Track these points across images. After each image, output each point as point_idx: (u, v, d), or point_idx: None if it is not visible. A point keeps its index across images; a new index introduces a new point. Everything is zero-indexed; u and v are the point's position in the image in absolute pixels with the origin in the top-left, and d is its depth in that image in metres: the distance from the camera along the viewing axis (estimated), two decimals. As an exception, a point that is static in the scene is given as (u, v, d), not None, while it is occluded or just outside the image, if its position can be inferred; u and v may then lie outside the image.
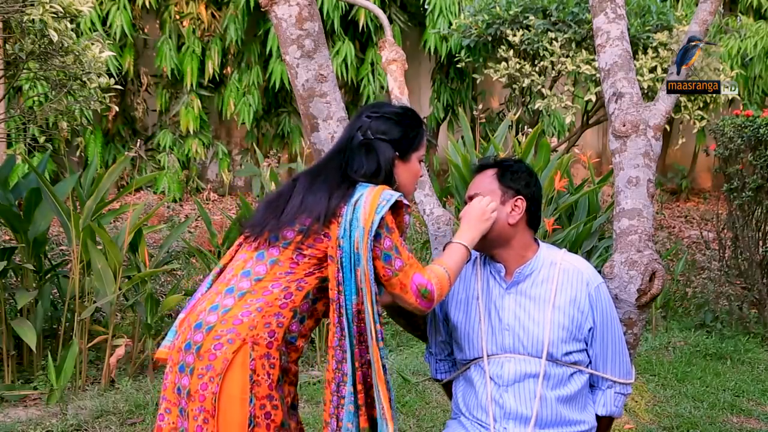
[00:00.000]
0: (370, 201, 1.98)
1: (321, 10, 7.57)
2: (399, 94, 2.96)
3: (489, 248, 2.21)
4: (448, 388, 2.39)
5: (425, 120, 8.80)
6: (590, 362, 2.21)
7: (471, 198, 2.22)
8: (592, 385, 2.24)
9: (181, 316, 2.07)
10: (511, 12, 6.79)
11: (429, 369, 2.42)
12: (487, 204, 2.17)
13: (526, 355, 2.14)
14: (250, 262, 2.03)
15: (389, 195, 2.00)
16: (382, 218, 1.96)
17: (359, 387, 2.01)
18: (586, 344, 2.19)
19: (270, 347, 1.93)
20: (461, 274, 2.25)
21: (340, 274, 1.98)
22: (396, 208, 2.03)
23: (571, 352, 2.15)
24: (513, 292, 2.19)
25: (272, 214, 2.06)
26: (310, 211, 2.00)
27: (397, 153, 2.10)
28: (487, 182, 2.21)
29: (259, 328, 1.93)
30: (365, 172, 2.05)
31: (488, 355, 2.17)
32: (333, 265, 1.98)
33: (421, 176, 2.22)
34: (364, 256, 1.96)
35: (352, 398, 2.00)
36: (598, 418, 2.24)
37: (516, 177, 2.21)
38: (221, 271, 2.13)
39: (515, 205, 2.18)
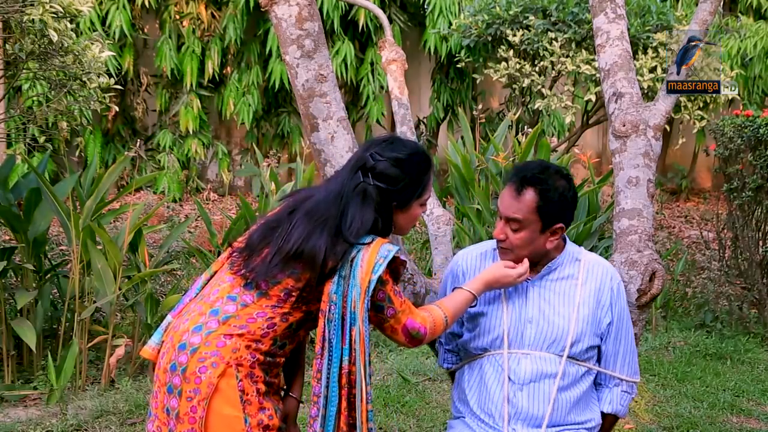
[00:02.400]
0: (367, 260, 1.94)
1: (321, 10, 7.57)
2: (399, 94, 2.97)
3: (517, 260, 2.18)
4: (453, 377, 2.40)
5: (424, 120, 8.82)
6: (599, 359, 2.21)
7: (509, 219, 2.12)
8: (597, 383, 2.24)
9: (168, 318, 2.07)
10: (511, 12, 6.78)
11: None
12: (518, 276, 2.12)
13: (545, 351, 2.13)
14: (237, 289, 1.99)
15: (386, 252, 1.96)
16: (379, 276, 1.94)
17: None
18: (601, 339, 2.19)
19: (253, 367, 1.94)
20: (480, 264, 2.26)
21: (328, 332, 1.95)
22: (393, 261, 2.00)
23: (590, 347, 2.16)
24: (538, 285, 2.19)
25: (266, 245, 2.01)
26: (305, 263, 1.95)
27: (395, 203, 2.03)
28: (526, 209, 2.10)
29: (242, 351, 1.93)
30: (359, 229, 1.97)
31: (508, 349, 2.16)
32: (322, 319, 1.96)
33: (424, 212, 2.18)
34: (360, 316, 1.93)
35: None
36: (603, 416, 2.24)
37: (559, 205, 2.12)
38: (212, 277, 2.11)
39: (554, 232, 2.15)
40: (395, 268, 2.04)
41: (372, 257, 1.94)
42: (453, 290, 2.17)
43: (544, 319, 2.15)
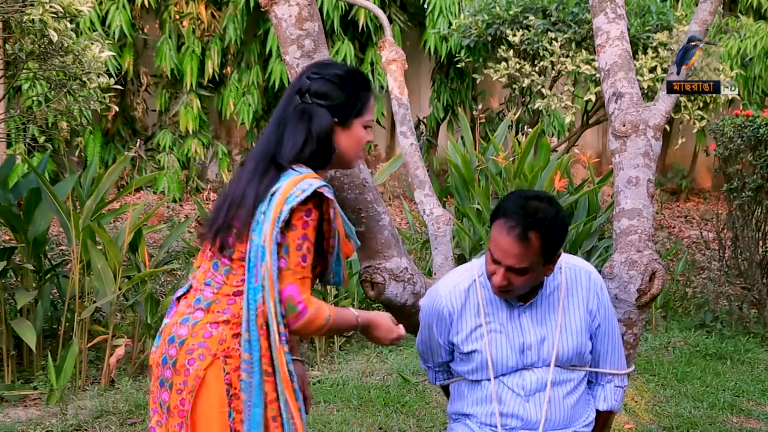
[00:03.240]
0: (282, 190, 1.83)
1: (321, 10, 7.56)
2: (399, 94, 2.97)
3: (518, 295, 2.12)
4: (447, 389, 2.37)
5: (424, 120, 8.81)
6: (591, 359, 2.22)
7: (513, 269, 1.99)
8: (589, 381, 2.24)
9: (165, 320, 2.03)
10: (511, 12, 6.78)
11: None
12: (395, 339, 2.01)
13: (546, 366, 2.11)
14: (209, 273, 1.94)
15: (307, 185, 1.83)
16: (292, 210, 1.81)
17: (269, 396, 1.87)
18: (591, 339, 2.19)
19: (242, 357, 1.87)
20: (466, 300, 2.14)
21: (247, 272, 1.85)
22: (319, 201, 1.85)
23: (587, 352, 2.16)
24: (529, 309, 2.14)
25: (220, 213, 1.92)
26: (238, 212, 1.87)
27: (336, 119, 1.93)
28: (532, 255, 1.98)
29: (229, 341, 1.87)
30: (292, 152, 1.88)
31: (509, 373, 2.12)
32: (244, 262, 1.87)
33: (368, 142, 2.05)
34: (269, 249, 1.81)
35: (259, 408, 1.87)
36: (597, 413, 2.24)
37: (558, 237, 2.02)
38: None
39: (553, 261, 2.08)
40: (323, 220, 1.89)
41: (289, 187, 1.83)
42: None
43: (540, 341, 2.12)
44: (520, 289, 2.07)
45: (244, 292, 1.86)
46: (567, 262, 2.19)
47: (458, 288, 2.16)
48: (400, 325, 2.04)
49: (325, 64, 2.02)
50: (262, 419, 1.86)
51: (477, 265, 2.19)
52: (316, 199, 1.84)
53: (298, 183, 1.84)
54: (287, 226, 1.82)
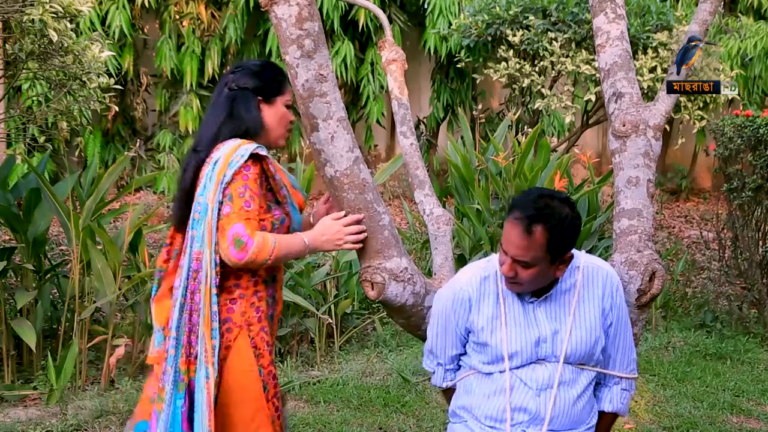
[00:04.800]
0: (224, 156, 2.11)
1: (321, 10, 7.57)
2: (399, 94, 2.96)
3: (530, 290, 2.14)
4: (447, 392, 2.35)
5: (424, 120, 8.81)
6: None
7: (517, 260, 2.02)
8: (596, 382, 2.24)
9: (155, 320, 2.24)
10: (511, 12, 6.78)
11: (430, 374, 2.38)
12: (347, 228, 2.22)
13: (558, 362, 2.11)
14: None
15: (245, 150, 2.12)
16: (234, 172, 2.09)
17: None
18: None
19: (261, 321, 2.20)
20: (484, 289, 2.18)
21: (191, 230, 2.14)
22: (257, 161, 2.14)
23: (598, 352, 2.16)
24: (543, 303, 2.14)
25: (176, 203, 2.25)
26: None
27: (260, 97, 2.25)
28: (536, 249, 2.00)
29: (249, 312, 2.18)
30: (229, 131, 2.19)
31: (523, 365, 2.12)
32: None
33: (292, 123, 2.33)
34: (211, 207, 2.08)
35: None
36: (601, 414, 2.24)
37: (568, 236, 2.03)
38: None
39: (563, 261, 2.09)
40: (266, 167, 2.18)
41: (230, 155, 2.11)
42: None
43: (556, 335, 2.12)
44: (529, 284, 2.09)
45: (187, 242, 2.14)
46: (587, 261, 2.19)
47: (478, 276, 2.20)
48: (351, 216, 2.24)
49: (243, 62, 2.38)
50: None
51: (495, 258, 2.21)
52: (252, 159, 2.14)
53: (237, 150, 2.13)
54: (229, 183, 2.10)
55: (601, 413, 2.24)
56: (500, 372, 2.14)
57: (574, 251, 2.19)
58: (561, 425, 2.12)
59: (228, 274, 2.15)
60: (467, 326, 2.19)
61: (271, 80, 2.29)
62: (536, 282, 2.09)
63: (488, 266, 2.21)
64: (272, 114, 2.28)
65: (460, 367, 2.30)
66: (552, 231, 2.00)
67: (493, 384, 2.15)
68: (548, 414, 2.09)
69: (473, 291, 2.18)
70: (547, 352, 2.12)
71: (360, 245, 2.26)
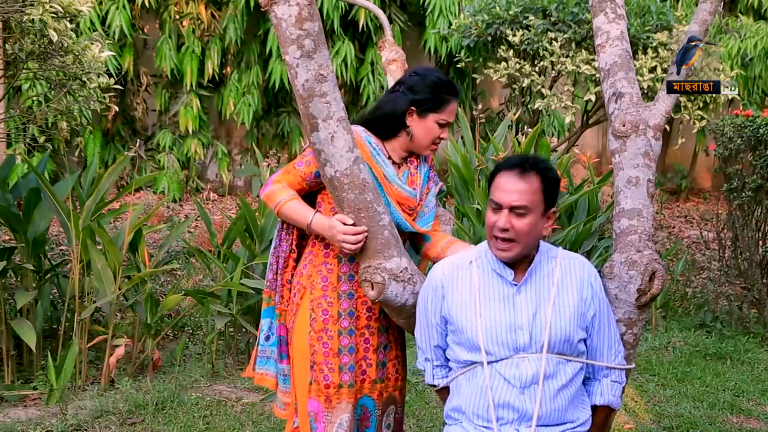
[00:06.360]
0: None
1: (321, 10, 7.57)
2: (399, 94, 2.95)
3: (517, 258, 2.17)
4: (442, 393, 2.36)
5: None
6: (587, 352, 2.21)
7: (514, 208, 2.10)
8: (586, 377, 2.24)
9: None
10: (511, 12, 6.78)
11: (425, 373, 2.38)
12: (344, 237, 2.26)
13: (539, 352, 2.12)
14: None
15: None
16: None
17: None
18: (587, 333, 2.19)
19: (325, 290, 2.41)
20: (458, 273, 2.23)
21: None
22: None
23: (580, 341, 2.16)
24: (523, 290, 2.17)
25: None
26: None
27: (413, 107, 2.39)
28: (533, 192, 2.11)
29: (314, 276, 2.42)
30: (361, 115, 2.47)
31: (503, 358, 2.13)
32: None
33: (441, 138, 2.43)
34: None
35: None
36: (595, 409, 2.23)
37: (556, 186, 2.18)
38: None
39: (549, 217, 2.17)
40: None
41: None
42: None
43: (534, 322, 2.13)
44: (522, 240, 2.12)
45: None
46: (564, 253, 2.25)
47: (452, 265, 2.27)
48: (355, 228, 2.27)
49: (427, 68, 2.50)
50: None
51: (475, 249, 2.27)
52: None
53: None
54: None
55: (595, 408, 2.23)
56: (480, 364, 2.15)
57: (547, 245, 2.25)
58: (548, 420, 2.12)
59: (304, 240, 2.49)
60: (443, 314, 2.23)
61: (434, 97, 2.40)
62: (530, 236, 2.13)
63: (464, 256, 2.28)
64: (420, 126, 2.42)
65: (450, 367, 2.30)
66: (543, 175, 2.13)
67: (476, 381, 2.16)
68: (536, 412, 2.09)
69: (445, 278, 2.24)
70: (525, 340, 2.12)
71: (355, 251, 2.30)
